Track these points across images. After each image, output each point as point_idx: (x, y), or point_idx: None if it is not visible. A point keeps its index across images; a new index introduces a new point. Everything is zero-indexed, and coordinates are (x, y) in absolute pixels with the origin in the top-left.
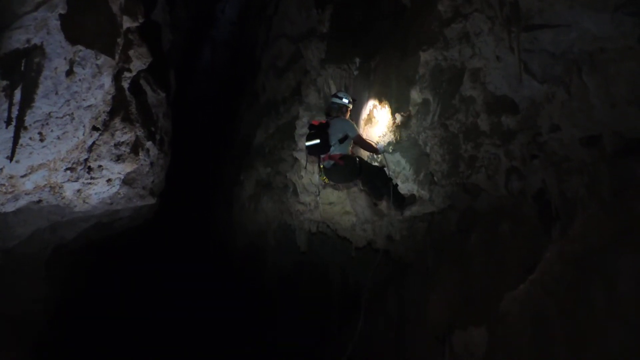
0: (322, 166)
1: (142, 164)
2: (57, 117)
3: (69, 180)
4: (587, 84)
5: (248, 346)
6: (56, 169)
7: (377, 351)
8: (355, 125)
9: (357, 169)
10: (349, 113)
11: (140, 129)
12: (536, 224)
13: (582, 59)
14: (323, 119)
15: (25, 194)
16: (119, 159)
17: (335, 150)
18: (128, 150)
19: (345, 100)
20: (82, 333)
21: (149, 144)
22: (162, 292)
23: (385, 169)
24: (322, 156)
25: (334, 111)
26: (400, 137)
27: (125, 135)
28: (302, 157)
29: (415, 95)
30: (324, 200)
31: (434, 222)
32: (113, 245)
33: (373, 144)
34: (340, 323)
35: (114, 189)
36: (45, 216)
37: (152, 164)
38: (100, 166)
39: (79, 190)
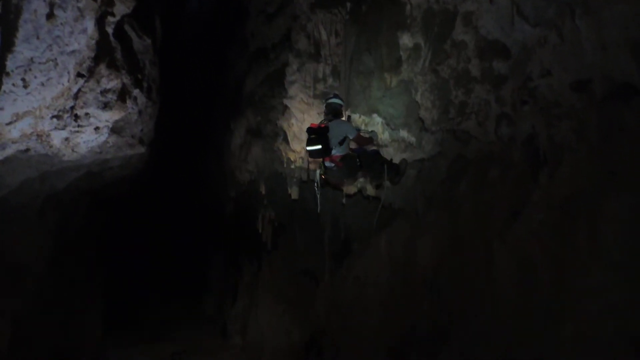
0: (323, 165)
1: (130, 112)
2: (39, 63)
3: (55, 128)
4: (580, 27)
5: (240, 291)
6: (42, 117)
7: (369, 294)
8: (352, 126)
9: (357, 167)
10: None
11: (127, 76)
12: (525, 170)
13: (575, 2)
14: (321, 123)
15: (12, 142)
16: (106, 106)
17: (336, 152)
18: (115, 97)
19: (342, 102)
20: (78, 280)
21: (136, 91)
22: (153, 240)
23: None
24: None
25: (332, 113)
26: (390, 83)
27: (111, 82)
28: (292, 105)
29: (407, 40)
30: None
31: (423, 169)
32: (104, 194)
33: (367, 138)
34: (331, 268)
35: (103, 138)
36: (34, 165)
37: (140, 112)
38: (87, 114)
39: (66, 139)
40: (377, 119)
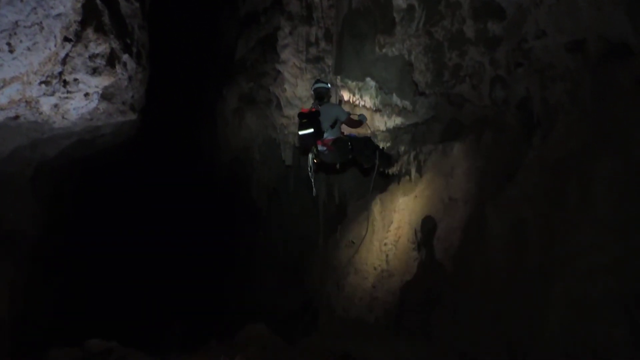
0: (316, 149)
1: (119, 78)
2: (25, 27)
3: (44, 94)
4: None
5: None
6: (30, 83)
7: (362, 258)
8: (342, 108)
9: (349, 151)
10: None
11: (115, 40)
12: (518, 133)
13: None
14: (312, 107)
15: (1, 109)
16: (95, 71)
17: (328, 135)
18: (104, 62)
19: (329, 85)
20: (71, 247)
21: (125, 56)
22: (147, 207)
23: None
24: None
25: (322, 97)
26: (383, 46)
27: (99, 46)
28: (285, 70)
29: (400, 1)
30: None
31: (417, 133)
32: (96, 162)
33: (357, 120)
34: (326, 232)
35: (93, 104)
36: (24, 133)
37: (130, 78)
38: (76, 79)
39: (56, 105)
40: (371, 82)
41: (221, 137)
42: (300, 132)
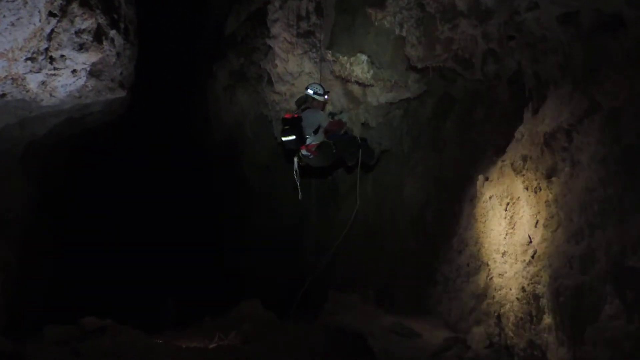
0: (300, 154)
1: (107, 54)
2: (7, 1)
3: (31, 71)
4: None
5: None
6: (15, 59)
7: (356, 234)
8: (324, 114)
9: (333, 154)
10: (319, 103)
11: (102, 15)
12: (509, 107)
13: None
14: (294, 113)
15: None
16: (81, 47)
17: (311, 140)
18: (90, 38)
19: (309, 91)
20: (64, 225)
21: (112, 32)
22: (139, 185)
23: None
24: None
25: (304, 103)
26: (375, 19)
27: (85, 22)
28: (276, 45)
29: None
30: (299, 90)
31: (410, 108)
32: (87, 141)
33: (338, 121)
34: (318, 210)
35: (81, 81)
36: (12, 111)
37: (118, 54)
38: (62, 56)
39: (43, 83)
40: (362, 57)
41: (212, 114)
42: (283, 138)
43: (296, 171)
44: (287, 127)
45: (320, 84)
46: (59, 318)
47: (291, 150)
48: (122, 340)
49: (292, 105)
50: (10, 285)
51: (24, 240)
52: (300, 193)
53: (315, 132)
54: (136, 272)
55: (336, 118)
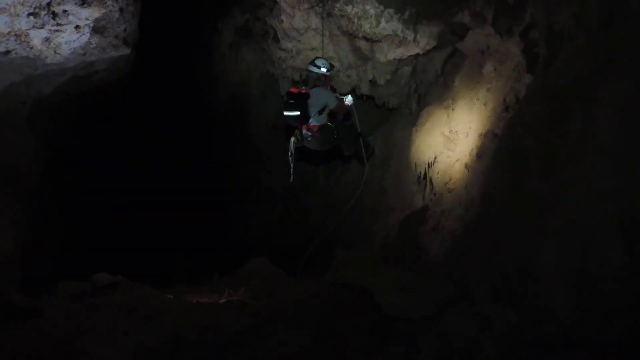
0: (300, 132)
1: (110, 10)
2: None
3: (33, 27)
4: None
5: (237, 192)
6: (17, 14)
7: (364, 192)
8: (333, 95)
9: (334, 139)
10: (328, 81)
11: None
12: (521, 62)
13: None
14: (302, 88)
15: None
16: (84, 2)
17: (314, 121)
18: None
19: (323, 70)
20: (74, 182)
21: None
22: (147, 144)
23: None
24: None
25: (312, 80)
26: None
27: None
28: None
29: None
30: (305, 46)
31: (418, 64)
32: (93, 99)
33: (345, 105)
34: (326, 171)
35: (85, 38)
36: (17, 69)
37: (121, 10)
38: (65, 11)
39: (47, 39)
40: (371, 11)
41: (218, 72)
42: (286, 113)
43: (291, 153)
44: (292, 101)
45: (324, 58)
46: (72, 274)
47: (290, 127)
48: (134, 295)
49: (298, 63)
50: (23, 241)
51: (35, 197)
52: (292, 176)
53: (321, 112)
54: (146, 230)
55: (346, 101)
